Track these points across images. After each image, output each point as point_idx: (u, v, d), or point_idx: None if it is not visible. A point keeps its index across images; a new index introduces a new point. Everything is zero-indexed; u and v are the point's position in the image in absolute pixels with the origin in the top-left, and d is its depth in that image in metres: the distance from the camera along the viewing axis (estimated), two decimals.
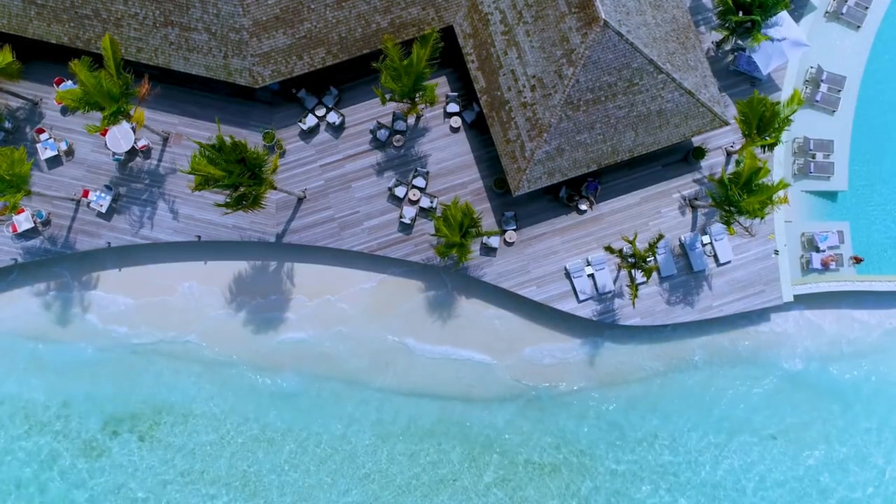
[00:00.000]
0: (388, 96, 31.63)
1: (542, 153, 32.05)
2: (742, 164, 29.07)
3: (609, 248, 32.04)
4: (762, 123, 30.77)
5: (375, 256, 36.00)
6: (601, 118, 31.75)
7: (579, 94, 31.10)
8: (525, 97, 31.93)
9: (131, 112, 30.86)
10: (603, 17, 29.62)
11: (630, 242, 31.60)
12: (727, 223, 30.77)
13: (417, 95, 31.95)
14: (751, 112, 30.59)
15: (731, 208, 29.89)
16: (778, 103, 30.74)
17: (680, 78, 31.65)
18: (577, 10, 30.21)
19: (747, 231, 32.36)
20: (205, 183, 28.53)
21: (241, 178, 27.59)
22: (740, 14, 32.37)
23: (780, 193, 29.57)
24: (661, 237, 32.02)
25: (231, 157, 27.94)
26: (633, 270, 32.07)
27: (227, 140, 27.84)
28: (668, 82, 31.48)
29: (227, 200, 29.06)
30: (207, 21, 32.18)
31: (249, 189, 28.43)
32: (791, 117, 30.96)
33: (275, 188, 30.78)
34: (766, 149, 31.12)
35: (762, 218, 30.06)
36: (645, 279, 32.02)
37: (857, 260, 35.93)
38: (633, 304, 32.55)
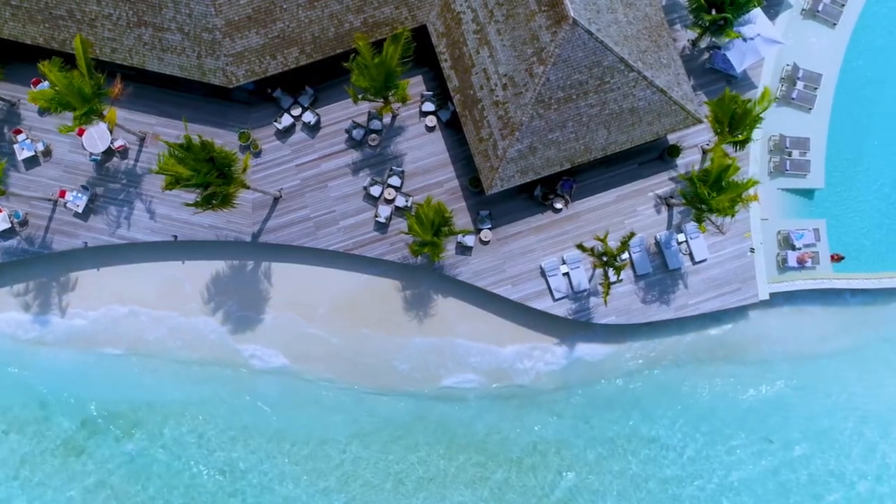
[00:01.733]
0: (360, 95, 31.68)
1: (515, 151, 32.07)
2: (712, 162, 29.02)
3: (581, 247, 32.05)
4: (734, 121, 30.74)
5: (352, 255, 36.05)
6: (573, 116, 31.75)
7: (550, 93, 31.12)
8: (497, 96, 31.96)
9: (104, 112, 30.96)
10: (572, 15, 29.64)
11: (601, 241, 31.58)
12: (699, 221, 30.76)
13: (390, 94, 31.99)
14: (721, 110, 30.56)
15: (702, 206, 29.85)
16: (749, 101, 30.71)
17: (652, 76, 31.64)
18: (546, 9, 30.23)
19: (718, 229, 32.34)
20: (175, 182, 28.63)
21: (208, 177, 27.64)
22: (713, 12, 32.37)
23: (751, 191, 29.50)
24: (632, 235, 31.99)
25: (200, 157, 28.02)
26: (605, 269, 32.03)
27: (196, 139, 27.88)
28: (639, 80, 31.47)
29: (197, 199, 29.13)
30: (180, 21, 32.28)
31: (219, 188, 28.48)
32: (764, 115, 30.93)
33: (246, 187, 30.85)
34: (738, 146, 31.04)
35: (732, 216, 30.02)
36: (616, 277, 31.96)
37: (838, 258, 35.85)
38: (606, 302, 32.54)
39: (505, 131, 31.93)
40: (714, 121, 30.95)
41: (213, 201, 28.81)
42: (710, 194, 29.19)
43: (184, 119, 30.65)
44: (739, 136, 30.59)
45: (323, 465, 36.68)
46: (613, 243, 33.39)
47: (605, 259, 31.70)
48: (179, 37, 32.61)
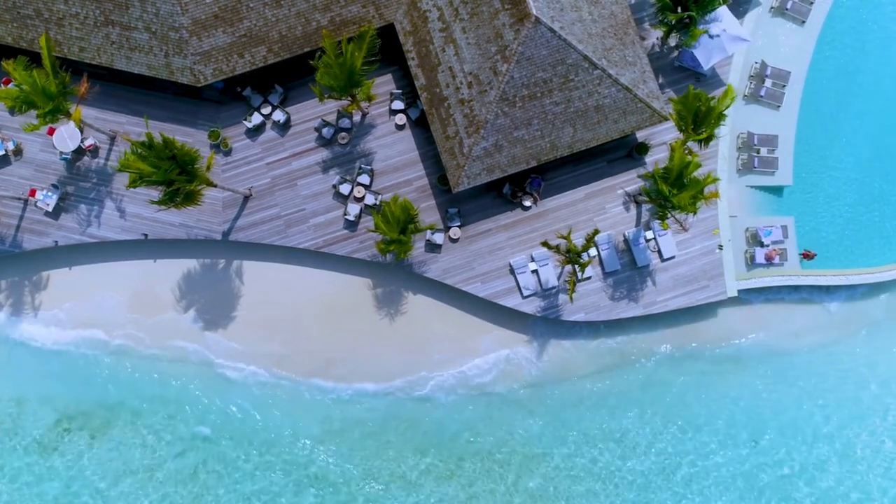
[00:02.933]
0: (326, 94, 31.76)
1: (480, 149, 32.18)
2: (673, 160, 29.14)
3: (546, 244, 32.15)
4: (698, 118, 30.86)
5: (322, 253, 36.15)
6: (538, 114, 31.86)
7: (514, 91, 31.23)
8: (463, 94, 32.07)
9: (71, 110, 31.05)
10: (534, 13, 29.76)
11: (565, 238, 31.69)
12: (661, 218, 30.87)
13: (356, 92, 32.08)
14: (685, 108, 30.69)
15: (665, 203, 29.96)
16: (713, 98, 30.83)
17: (616, 74, 31.75)
18: (509, 7, 30.34)
19: (681, 225, 32.44)
20: (139, 179, 28.74)
21: (169, 174, 27.75)
22: (679, 10, 32.48)
23: (712, 188, 29.60)
24: (596, 232, 32.09)
25: (162, 154, 28.12)
26: (569, 266, 32.14)
27: (158, 137, 27.99)
28: (604, 78, 31.58)
29: (161, 197, 29.24)
30: (147, 20, 32.38)
31: (182, 185, 28.57)
32: (728, 112, 31.11)
33: (212, 185, 30.92)
34: (703, 144, 31.15)
35: (694, 213, 30.12)
36: (580, 274, 32.06)
37: (810, 256, 35.95)
38: (571, 299, 32.66)
39: (470, 129, 32.05)
40: (678, 118, 31.07)
41: (177, 198, 28.88)
42: (672, 191, 29.32)
43: (145, 118, 30.65)
44: (703, 132, 30.70)
45: (292, 463, 36.75)
46: (580, 241, 33.46)
47: (569, 256, 31.80)
48: (147, 36, 32.70)
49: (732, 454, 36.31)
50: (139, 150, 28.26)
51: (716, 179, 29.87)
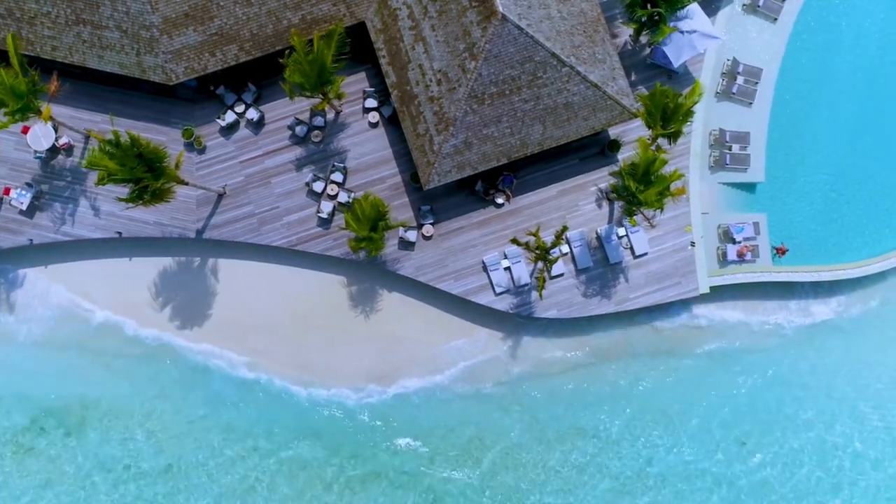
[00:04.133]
0: (296, 92, 31.86)
1: (450, 147, 32.29)
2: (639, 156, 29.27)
3: (515, 241, 32.25)
4: (666, 115, 30.97)
5: (296, 251, 36.26)
6: (507, 111, 31.98)
7: (483, 88, 31.35)
8: (432, 91, 32.18)
9: (41, 108, 31.18)
10: (501, 10, 29.88)
11: (534, 235, 31.80)
12: (629, 215, 30.98)
13: (327, 90, 32.19)
14: (653, 104, 30.80)
15: (632, 199, 30.07)
16: (681, 95, 30.95)
17: (585, 71, 31.87)
18: (476, 4, 30.46)
19: (649, 222, 32.54)
20: (107, 177, 28.87)
21: (135, 171, 27.88)
22: (648, 7, 32.59)
23: (678, 184, 29.72)
24: (565, 229, 32.21)
25: (129, 152, 28.24)
26: (540, 262, 32.26)
27: (124, 135, 28.13)
28: (572, 75, 31.70)
29: (130, 194, 29.38)
30: (118, 19, 32.48)
31: (150, 183, 28.70)
32: (697, 109, 31.28)
33: (182, 182, 31.00)
34: (671, 140, 31.26)
35: (661, 209, 30.24)
36: (548, 271, 32.18)
37: (782, 251, 36.05)
38: (541, 295, 32.76)
39: (440, 126, 32.17)
40: (646, 115, 31.18)
41: (145, 196, 29.00)
42: (639, 188, 29.43)
43: (110, 115, 30.76)
44: (671, 128, 30.79)
45: (268, 457, 36.87)
46: (551, 238, 33.56)
47: (538, 253, 31.90)
48: (118, 34, 32.81)
49: (705, 450, 36.40)
50: (107, 148, 28.36)
51: (681, 175, 30.01)
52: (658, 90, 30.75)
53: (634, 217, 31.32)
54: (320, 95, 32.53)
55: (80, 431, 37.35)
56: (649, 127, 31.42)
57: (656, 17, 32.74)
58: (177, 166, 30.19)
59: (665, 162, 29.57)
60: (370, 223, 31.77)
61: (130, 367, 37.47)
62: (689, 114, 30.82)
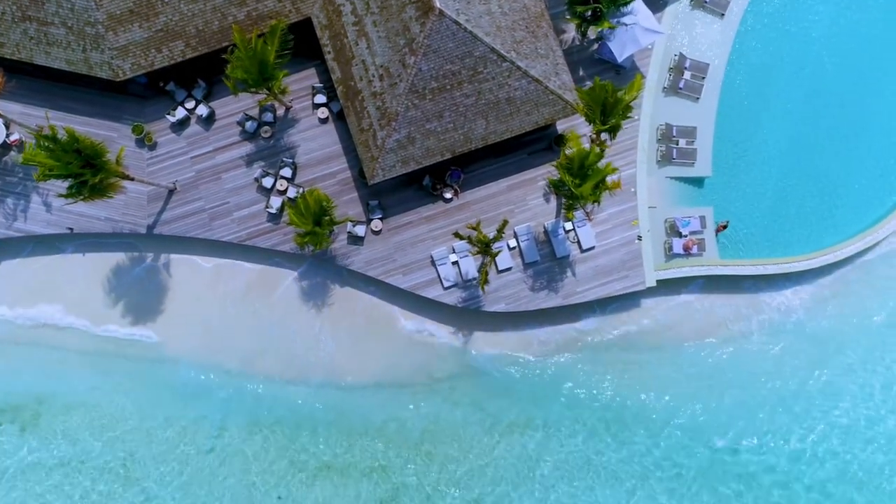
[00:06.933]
0: (240, 87, 32.07)
1: (393, 142, 32.53)
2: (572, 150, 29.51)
3: (457, 234, 32.50)
4: (606, 109, 31.21)
5: (247, 246, 36.50)
6: (449, 106, 32.22)
7: (424, 83, 31.58)
8: (375, 87, 32.42)
9: None
10: (438, 5, 30.12)
11: (474, 228, 32.05)
12: (568, 209, 31.22)
13: (271, 85, 32.40)
14: (592, 99, 31.04)
15: (569, 193, 30.32)
16: (621, 89, 31.18)
17: (526, 66, 32.10)
18: (415, 0, 30.69)
19: (587, 216, 32.78)
20: (48, 173, 29.07)
21: (71, 167, 28.10)
22: (588, 2, 32.84)
23: (614, 177, 29.96)
24: (505, 223, 32.45)
25: (67, 148, 28.45)
26: (483, 256, 32.50)
27: (61, 131, 28.35)
28: (513, 70, 31.93)
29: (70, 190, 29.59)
30: (63, 15, 32.68)
31: (88, 178, 28.90)
32: (636, 104, 31.57)
33: (126, 178, 31.19)
34: (611, 134, 31.51)
35: (598, 203, 30.46)
36: (490, 266, 32.41)
37: (723, 227, 36.17)
38: (483, 289, 33.01)
39: (383, 121, 32.40)
40: (585, 109, 31.43)
41: (83, 191, 29.21)
42: (575, 181, 29.68)
43: (46, 113, 31.02)
44: (611, 123, 31.02)
45: (222, 454, 37.11)
46: (491, 232, 33.77)
47: (480, 247, 32.15)
48: (63, 31, 33.00)
49: (653, 442, 36.70)
50: (45, 144, 28.57)
51: (615, 170, 30.25)
52: (597, 85, 30.99)
53: (573, 211, 31.50)
54: (265, 91, 32.76)
55: (34, 425, 37.56)
56: (589, 121, 31.67)
57: (598, 13, 32.98)
58: (117, 162, 30.39)
59: (600, 156, 29.82)
60: (314, 218, 32.01)
61: (85, 362, 37.68)
62: (628, 108, 31.06)
